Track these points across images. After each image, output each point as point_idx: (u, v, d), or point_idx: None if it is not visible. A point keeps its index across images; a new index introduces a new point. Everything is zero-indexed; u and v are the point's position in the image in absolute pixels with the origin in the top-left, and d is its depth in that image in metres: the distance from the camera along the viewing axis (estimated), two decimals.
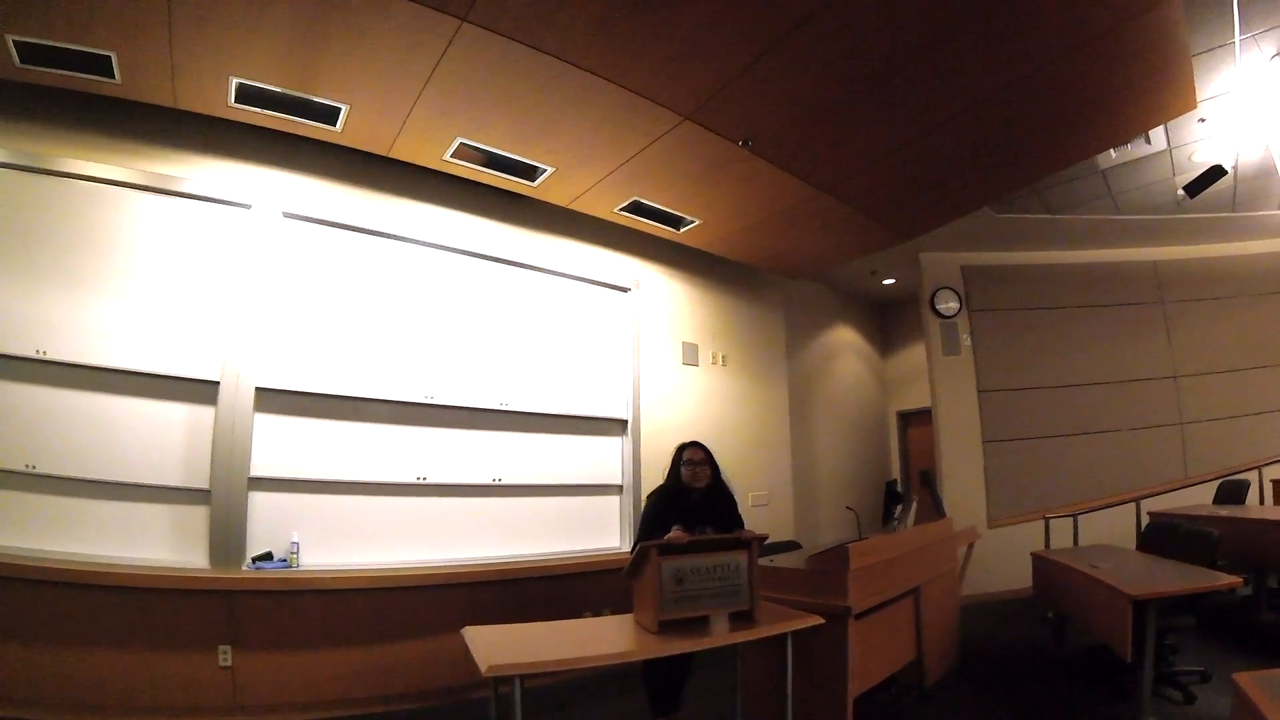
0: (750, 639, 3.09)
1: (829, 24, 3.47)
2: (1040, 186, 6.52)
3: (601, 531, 5.74)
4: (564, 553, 5.36)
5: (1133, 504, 6.97)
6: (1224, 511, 5.98)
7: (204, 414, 4.17)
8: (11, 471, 3.65)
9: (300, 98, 3.98)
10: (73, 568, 3.59)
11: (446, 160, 4.67)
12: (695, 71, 3.83)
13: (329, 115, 4.15)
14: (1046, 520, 6.74)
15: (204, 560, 4.05)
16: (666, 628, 3.00)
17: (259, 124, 4.21)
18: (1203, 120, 5.38)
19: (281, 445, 4.39)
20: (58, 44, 3.40)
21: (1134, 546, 5.66)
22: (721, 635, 3.04)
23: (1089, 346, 8.06)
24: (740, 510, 4.02)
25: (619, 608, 3.90)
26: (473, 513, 5.07)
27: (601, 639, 3.08)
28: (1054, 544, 6.53)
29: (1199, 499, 7.06)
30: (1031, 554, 5.45)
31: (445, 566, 4.70)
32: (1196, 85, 4.44)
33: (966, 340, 7.96)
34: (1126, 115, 4.63)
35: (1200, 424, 7.89)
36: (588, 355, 5.89)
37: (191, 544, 4.06)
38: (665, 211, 5.58)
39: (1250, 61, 4.63)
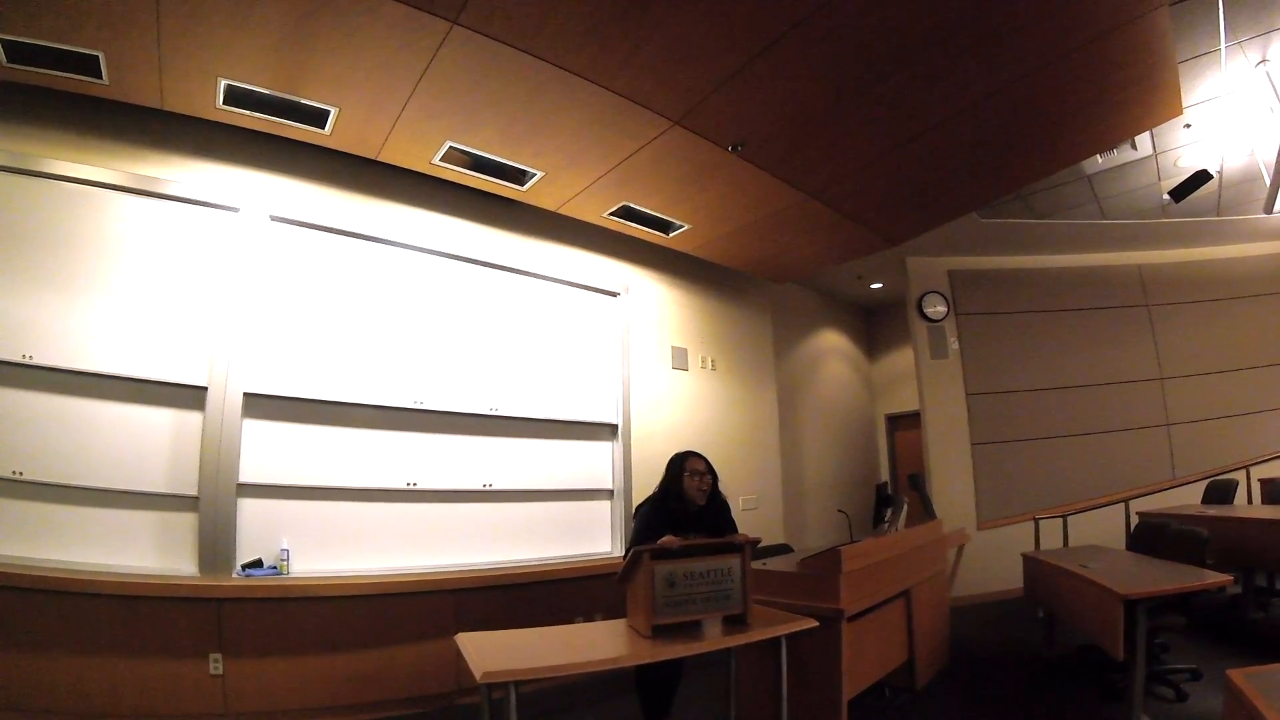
0: (743, 642, 3.08)
1: (817, 30, 3.49)
2: (1026, 192, 6.57)
3: (592, 536, 5.73)
4: (555, 558, 5.34)
5: (1121, 504, 7.03)
6: (1212, 511, 6.03)
7: (192, 419, 4.13)
8: None
9: (289, 100, 3.95)
10: (60, 575, 3.55)
11: (435, 164, 4.65)
12: (685, 77, 3.83)
13: (318, 118, 4.13)
14: (1036, 521, 6.79)
15: (193, 567, 4.01)
16: (660, 632, 2.99)
17: (247, 126, 4.19)
18: (1188, 126, 5.44)
19: (270, 451, 4.36)
20: (46, 43, 3.36)
21: (1123, 547, 5.70)
22: (715, 639, 3.03)
23: (1076, 350, 8.12)
24: (732, 515, 4.01)
25: (611, 613, 3.89)
26: (463, 518, 5.04)
27: (595, 644, 3.07)
28: (1044, 545, 6.58)
29: (1187, 499, 7.12)
30: (1022, 555, 5.48)
31: (436, 572, 4.67)
32: (1182, 92, 4.49)
33: (954, 344, 7.99)
34: (1113, 121, 4.67)
35: (1187, 425, 7.96)
36: (577, 360, 5.88)
37: (180, 551, 4.02)
38: (654, 216, 5.59)
39: (1235, 68, 4.69)
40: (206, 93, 3.86)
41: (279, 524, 4.34)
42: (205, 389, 4.15)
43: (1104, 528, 6.84)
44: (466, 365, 5.20)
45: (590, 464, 5.83)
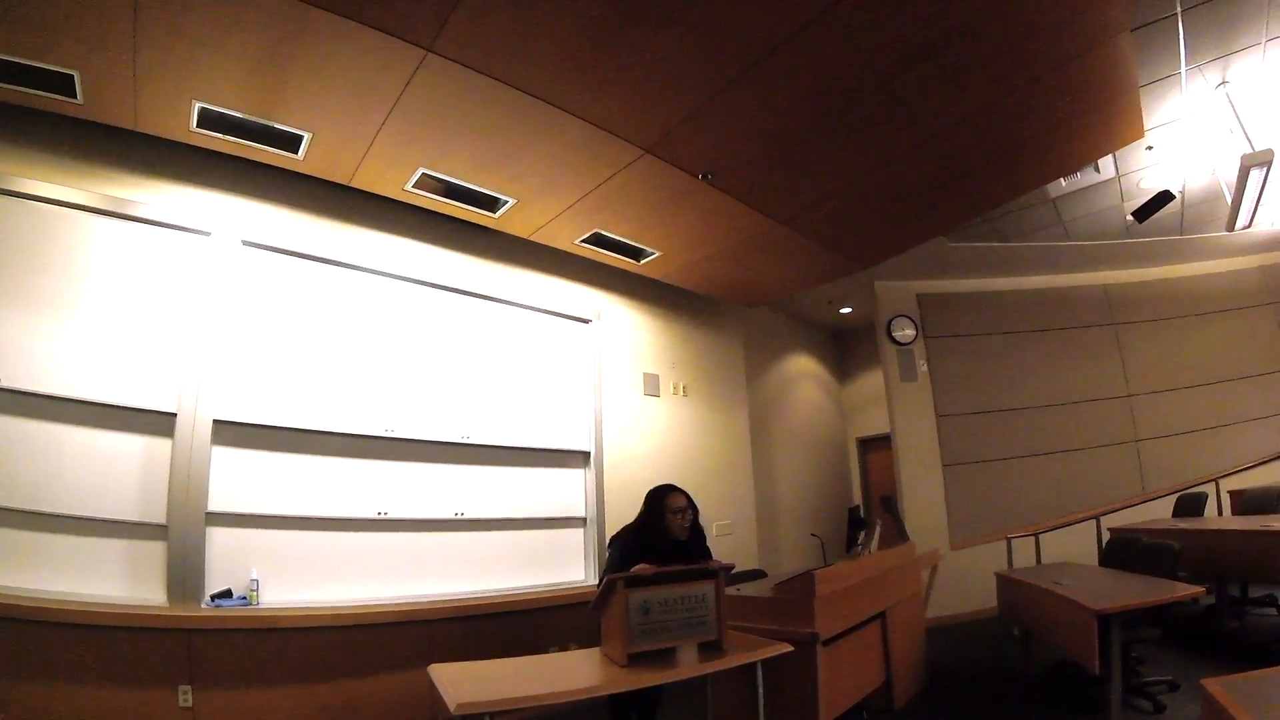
0: (720, 669, 3.08)
1: (788, 60, 3.56)
2: (993, 215, 6.69)
3: (565, 565, 5.69)
4: (528, 587, 5.29)
5: (1093, 521, 7.09)
6: (1183, 524, 6.12)
7: (161, 446, 4.05)
8: None
9: (263, 124, 3.95)
10: (26, 603, 3.45)
11: (408, 190, 4.66)
12: (657, 106, 3.89)
13: (291, 143, 4.12)
14: (1009, 540, 6.84)
15: (162, 597, 3.92)
16: (635, 660, 2.98)
17: (220, 150, 4.17)
18: (1150, 148, 5.58)
19: (240, 479, 4.29)
20: (21, 60, 3.33)
21: (1096, 563, 5.75)
22: (690, 666, 3.03)
23: (1044, 369, 8.25)
24: (706, 542, 4.01)
25: (585, 642, 3.86)
26: (435, 548, 4.99)
27: (570, 674, 3.05)
28: (1017, 563, 6.62)
29: (1158, 513, 7.23)
30: (995, 574, 5.51)
31: (408, 602, 4.61)
32: (1144, 114, 4.64)
33: (923, 366, 8.08)
34: (1076, 145, 4.80)
35: (1155, 440, 8.09)
36: (549, 387, 5.86)
37: (149, 580, 3.93)
38: (626, 243, 5.63)
39: (1195, 90, 4.82)
40: (181, 115, 3.84)
41: (249, 553, 4.26)
42: (174, 415, 4.08)
43: (1076, 545, 6.90)
44: (438, 393, 5.17)
45: (563, 492, 5.80)
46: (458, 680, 2.76)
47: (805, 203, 5.06)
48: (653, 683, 2.95)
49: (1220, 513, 7.22)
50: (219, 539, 4.17)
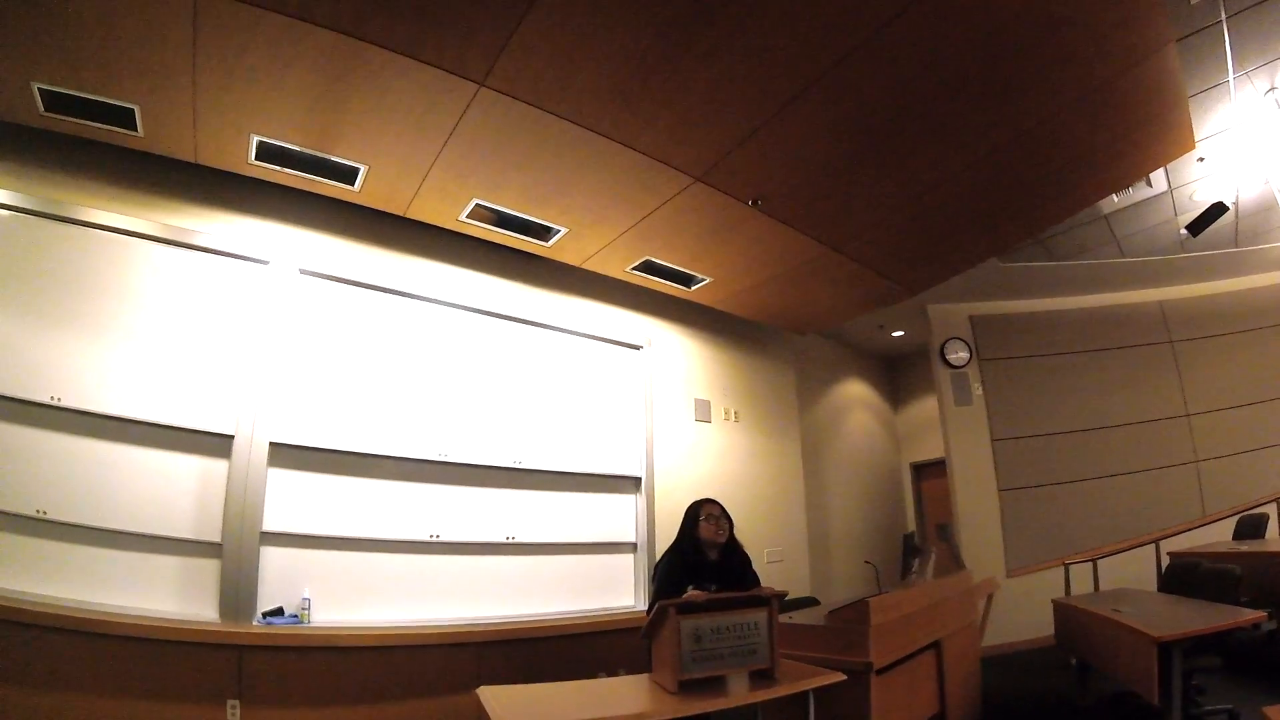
0: (771, 697, 3.04)
1: (834, 87, 3.57)
2: (1045, 235, 6.59)
3: (615, 590, 5.67)
4: (577, 612, 5.29)
5: (1152, 545, 6.88)
6: (1244, 547, 5.93)
7: (217, 467, 4.16)
8: (22, 516, 3.62)
9: (319, 157, 4.06)
10: (81, 615, 3.54)
11: (462, 220, 4.75)
12: (706, 135, 3.92)
13: (347, 175, 4.24)
14: (1066, 567, 6.67)
15: (214, 613, 4.00)
16: (686, 687, 2.96)
17: (278, 181, 4.30)
18: (1201, 160, 5.48)
19: (294, 501, 4.38)
20: (83, 94, 3.47)
21: (1155, 588, 5.58)
22: (741, 694, 3.00)
23: (1100, 390, 8.06)
24: (755, 567, 3.98)
25: (633, 668, 3.84)
26: (485, 571, 5.02)
27: (620, 699, 3.04)
28: (1074, 590, 6.46)
29: (1218, 536, 7.00)
30: (1052, 601, 5.38)
31: (457, 625, 4.63)
32: (1194, 126, 4.52)
33: (978, 390, 7.96)
34: (1127, 161, 4.70)
35: (1215, 460, 7.83)
36: (601, 413, 5.89)
37: (202, 597, 4.02)
38: (676, 270, 5.65)
39: (1245, 98, 4.73)
40: (239, 148, 3.97)
41: (301, 573, 4.34)
42: (232, 437, 4.19)
43: (1135, 570, 6.71)
44: (491, 418, 5.22)
45: (613, 517, 5.80)
46: (507, 704, 2.78)
47: (855, 228, 5.03)
48: (704, 710, 2.92)
49: None
50: (272, 558, 4.24)
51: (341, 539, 4.50)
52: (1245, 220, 6.74)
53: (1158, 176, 5.68)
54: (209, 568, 4.06)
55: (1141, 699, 3.68)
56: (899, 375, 10.68)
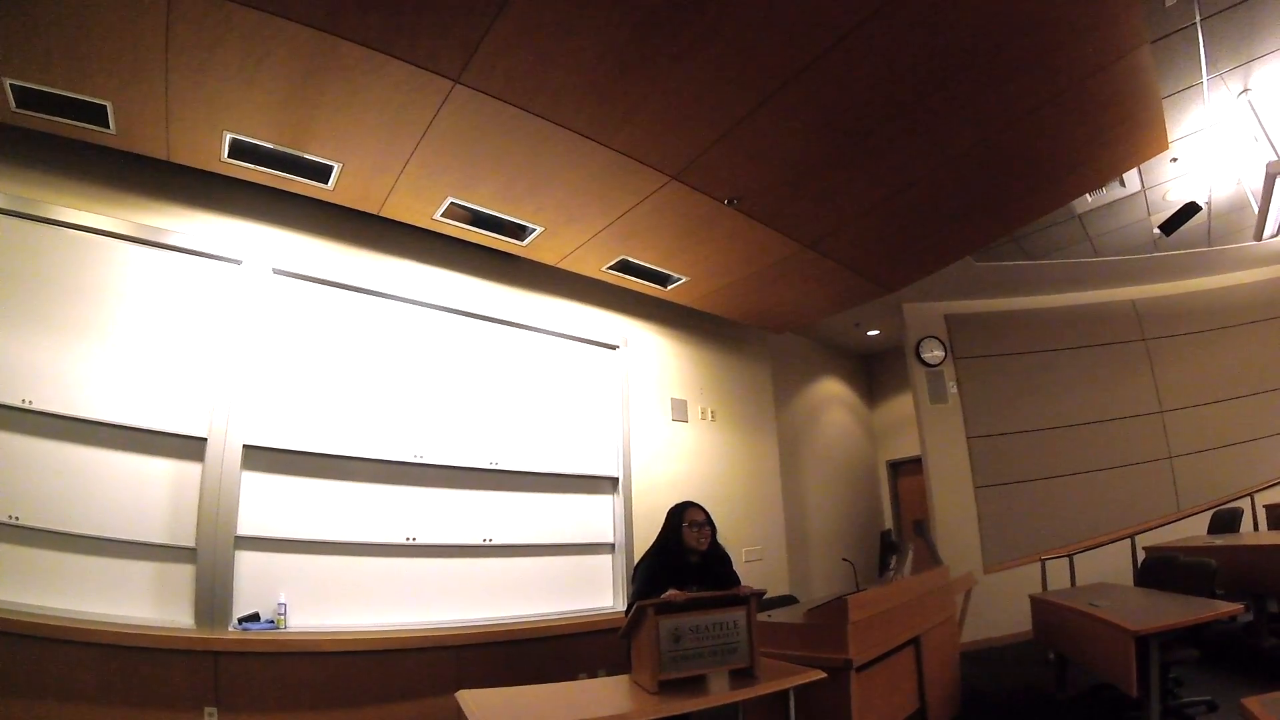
0: (751, 696, 3.04)
1: (810, 87, 3.58)
2: (1019, 234, 6.65)
3: (593, 591, 5.66)
4: (556, 613, 5.27)
5: (1128, 540, 6.97)
6: (1219, 541, 6.02)
7: (191, 470, 4.10)
8: None
9: (293, 155, 4.01)
10: (55, 623, 3.48)
11: (437, 219, 4.71)
12: (682, 133, 3.91)
13: (321, 173, 4.19)
14: (1043, 562, 6.74)
15: (189, 619, 3.94)
16: (666, 687, 2.95)
17: (251, 179, 4.24)
18: (1175, 160, 5.54)
19: (269, 504, 4.32)
20: (55, 90, 3.41)
21: (1131, 583, 5.64)
22: (722, 693, 3.00)
23: (1075, 387, 8.14)
24: (734, 567, 3.98)
25: (613, 669, 3.84)
26: (462, 573, 4.98)
27: (600, 701, 3.03)
28: (1051, 585, 6.52)
29: (1193, 530, 7.11)
30: (1030, 596, 5.43)
31: (435, 628, 4.60)
32: (1167, 126, 4.59)
33: (953, 388, 8.01)
34: (1101, 160, 4.76)
35: (1189, 456, 7.94)
36: (577, 413, 5.87)
37: (177, 603, 3.96)
38: (653, 269, 5.64)
39: (1218, 99, 4.79)
40: (212, 145, 3.91)
41: (277, 577, 4.28)
42: (205, 440, 4.13)
43: (1111, 565, 6.80)
44: (466, 419, 5.19)
45: (591, 518, 5.78)
46: (487, 707, 2.76)
47: (831, 226, 5.05)
48: (684, 710, 2.92)
49: (1256, 528, 7.11)
50: (247, 562, 4.19)
51: (317, 542, 4.45)
52: (1217, 220, 6.83)
53: (1131, 176, 5.74)
54: (183, 573, 4.00)
55: (1120, 691, 3.71)
56: (875, 373, 10.75)
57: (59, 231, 3.93)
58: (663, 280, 5.86)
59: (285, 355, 4.53)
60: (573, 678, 4.53)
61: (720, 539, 3.98)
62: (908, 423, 8.95)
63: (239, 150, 3.97)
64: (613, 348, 6.24)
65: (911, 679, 4.38)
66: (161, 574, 3.96)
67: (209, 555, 4.02)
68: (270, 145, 3.93)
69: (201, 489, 4.09)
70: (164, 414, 4.06)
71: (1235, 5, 3.91)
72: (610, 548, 5.82)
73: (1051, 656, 5.46)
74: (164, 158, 4.02)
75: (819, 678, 3.19)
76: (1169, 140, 4.77)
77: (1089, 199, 6.00)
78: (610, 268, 5.57)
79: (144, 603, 3.89)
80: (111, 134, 3.78)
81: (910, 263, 5.96)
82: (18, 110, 3.54)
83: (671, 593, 3.26)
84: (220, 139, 3.85)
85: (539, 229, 4.89)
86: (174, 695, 3.70)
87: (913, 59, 3.48)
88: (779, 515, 7.33)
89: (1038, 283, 8.04)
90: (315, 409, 4.56)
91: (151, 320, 4.13)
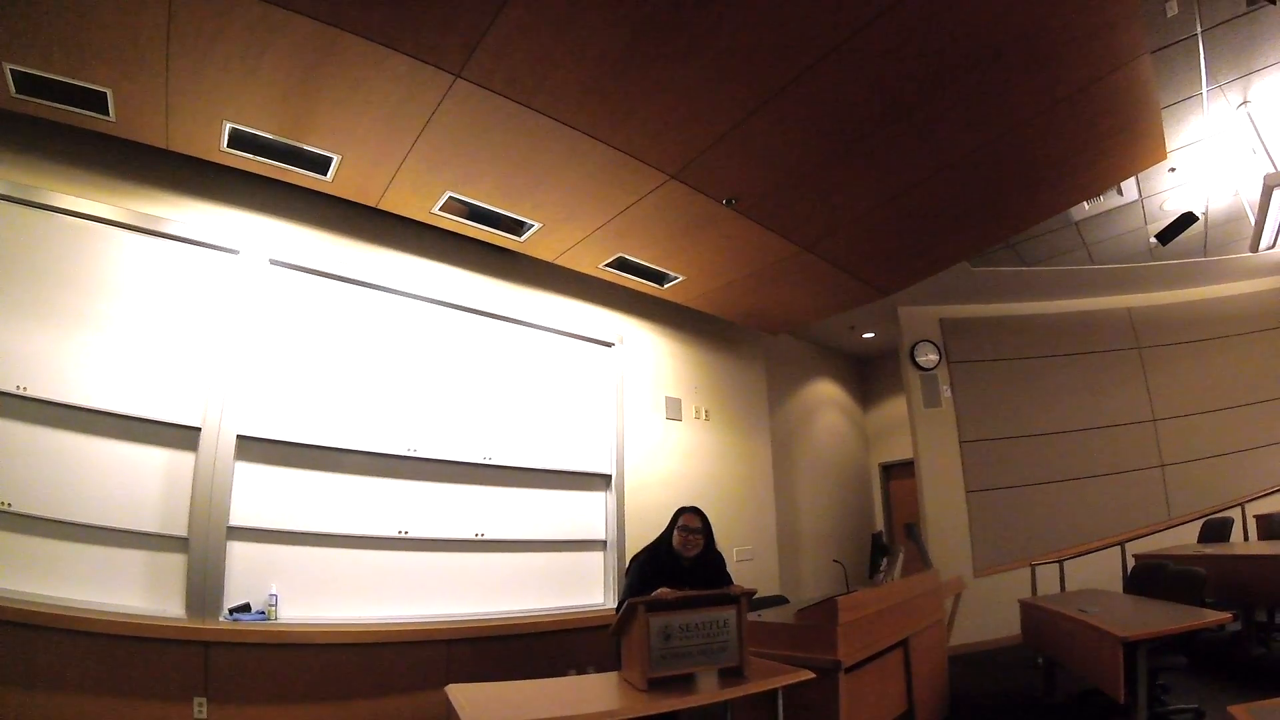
0: (740, 695, 3.04)
1: (809, 89, 3.59)
2: (1016, 240, 6.67)
3: (585, 588, 5.66)
4: (547, 609, 5.27)
5: (1118, 547, 6.99)
6: (1209, 550, 6.06)
7: (184, 460, 4.09)
8: None
9: (292, 146, 4.01)
10: (46, 610, 3.47)
11: (435, 213, 4.71)
12: (681, 133, 3.92)
13: (320, 165, 4.18)
14: (1033, 567, 6.77)
15: (180, 609, 3.93)
16: (655, 685, 2.96)
17: (250, 170, 4.23)
18: (1173, 170, 5.55)
19: (262, 495, 4.31)
20: (55, 76, 3.39)
21: (1121, 589, 5.67)
22: (711, 692, 3.00)
23: (1068, 394, 8.17)
24: (727, 569, 3.99)
25: (603, 666, 3.85)
26: (454, 568, 4.99)
27: (589, 698, 3.03)
28: (1041, 591, 6.55)
29: (1184, 539, 7.14)
30: (1019, 601, 5.45)
31: (426, 622, 4.61)
32: (1166, 136, 4.60)
33: (946, 392, 8.04)
34: (1099, 169, 4.77)
35: (1181, 465, 7.97)
36: (572, 410, 5.87)
37: (168, 592, 3.95)
38: (649, 268, 5.64)
39: (1217, 110, 4.80)
40: (211, 135, 3.90)
41: (268, 568, 4.28)
42: (198, 430, 4.12)
43: (1101, 571, 6.82)
44: (461, 414, 5.19)
45: (583, 514, 5.79)
46: (476, 701, 2.76)
47: (828, 229, 5.06)
48: (673, 708, 2.93)
49: (1246, 538, 7.11)
50: (239, 553, 4.18)
51: (309, 534, 4.44)
52: (1214, 230, 6.85)
53: (1129, 185, 5.75)
54: (175, 562, 3.99)
55: (1108, 697, 3.73)
56: (869, 376, 10.77)
57: (56, 218, 3.92)
58: (659, 279, 5.86)
59: (280, 346, 4.52)
60: (562, 674, 4.55)
61: (717, 546, 4.00)
62: (900, 426, 8.98)
63: (238, 140, 3.96)
64: (608, 345, 6.24)
65: (900, 681, 4.39)
66: (153, 563, 3.95)
67: (201, 545, 4.01)
68: (270, 136, 3.92)
69: (194, 478, 4.08)
70: (158, 402, 4.04)
71: (1237, 17, 3.93)
72: (602, 545, 5.83)
73: (1040, 661, 5.48)
74: (163, 146, 4.01)
75: (808, 678, 3.20)
76: (1167, 150, 4.78)
77: (1086, 206, 6.02)
78: (607, 265, 5.57)
79: (135, 591, 3.88)
80: (111, 121, 3.77)
81: (907, 267, 5.97)
82: (17, 95, 3.53)
83: (662, 591, 3.27)
84: (220, 129, 3.84)
85: (537, 225, 4.89)
86: (164, 685, 3.69)
87: (912, 64, 3.49)
88: (771, 516, 7.36)
89: (1034, 289, 8.07)
90: (309, 401, 4.56)
91: (147, 308, 4.12)
